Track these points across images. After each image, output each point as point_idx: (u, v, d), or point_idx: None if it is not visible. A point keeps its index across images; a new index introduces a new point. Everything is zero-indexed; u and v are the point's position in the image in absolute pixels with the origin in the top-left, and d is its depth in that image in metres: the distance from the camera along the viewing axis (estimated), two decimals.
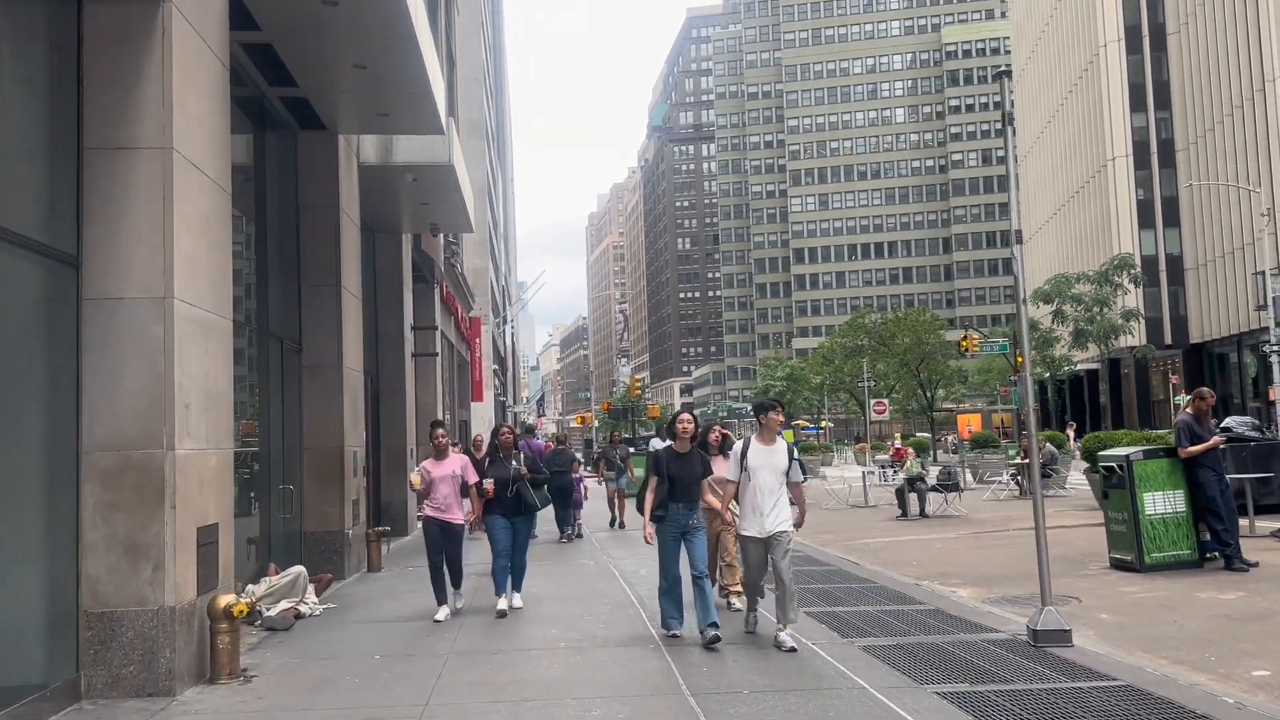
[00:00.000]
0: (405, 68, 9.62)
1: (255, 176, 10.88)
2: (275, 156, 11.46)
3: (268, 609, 8.79)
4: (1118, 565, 11.13)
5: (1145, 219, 62.16)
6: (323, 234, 11.81)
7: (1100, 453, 12.20)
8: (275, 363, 11.05)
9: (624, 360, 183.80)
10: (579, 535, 16.41)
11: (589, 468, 21.99)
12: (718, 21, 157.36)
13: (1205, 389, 11.57)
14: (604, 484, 19.13)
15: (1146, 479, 10.90)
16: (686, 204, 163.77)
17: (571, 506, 16.19)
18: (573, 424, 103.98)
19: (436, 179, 14.00)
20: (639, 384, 40.99)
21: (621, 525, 17.64)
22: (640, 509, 8.25)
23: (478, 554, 11.55)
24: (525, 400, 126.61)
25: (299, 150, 11.84)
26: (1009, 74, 8.00)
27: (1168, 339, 60.36)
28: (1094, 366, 66.15)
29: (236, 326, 10.02)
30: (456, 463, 9.24)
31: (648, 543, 7.83)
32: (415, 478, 9.20)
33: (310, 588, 9.49)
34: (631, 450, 29.74)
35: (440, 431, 9.37)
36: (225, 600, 6.81)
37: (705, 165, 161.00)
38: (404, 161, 13.39)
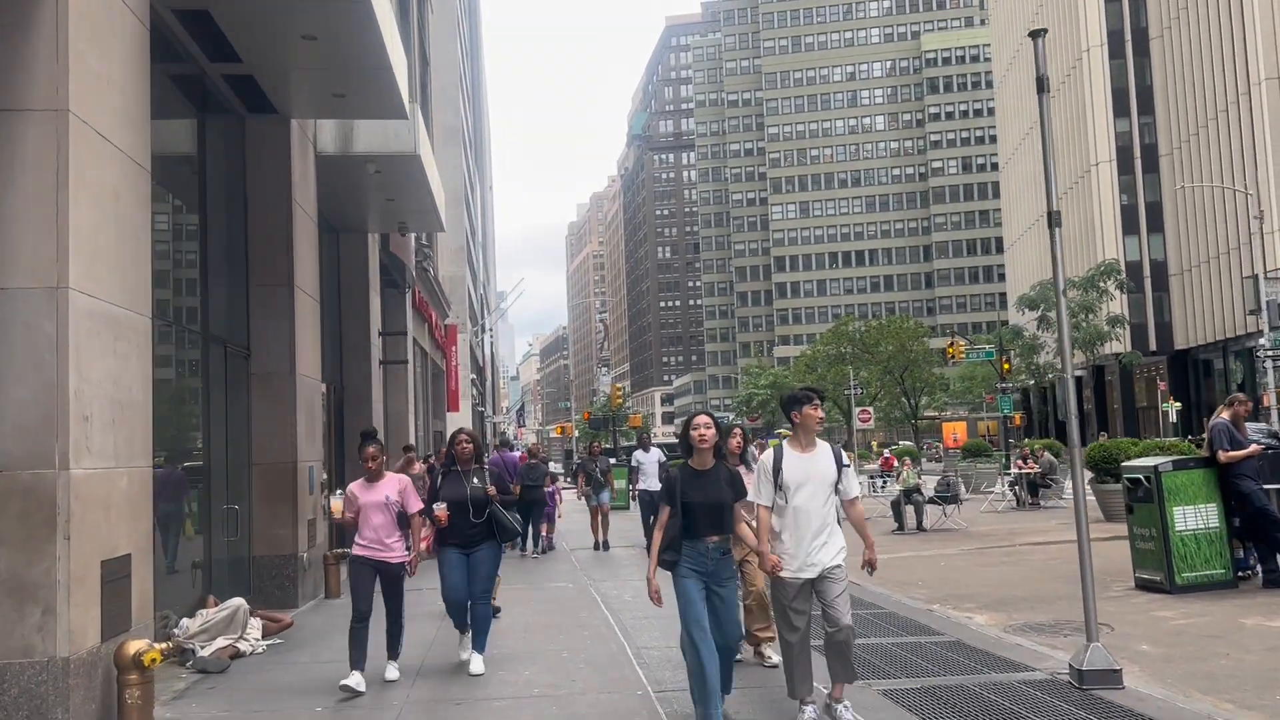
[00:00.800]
0: (359, 37, 8.60)
1: (198, 164, 9.83)
2: (220, 143, 10.41)
3: (201, 647, 7.72)
4: (1145, 586, 10.21)
5: (1129, 224, 61.81)
6: (274, 229, 10.76)
7: (1125, 464, 11.27)
8: (218, 369, 9.98)
9: (604, 370, 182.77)
10: (550, 548, 16.37)
11: (569, 479, 21.12)
12: (697, 29, 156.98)
13: (1240, 394, 10.71)
14: (583, 500, 17.30)
15: (1176, 492, 9.98)
16: (667, 212, 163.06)
17: (541, 519, 16.12)
18: (553, 434, 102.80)
19: (402, 171, 12.97)
20: (620, 392, 39.91)
21: (605, 546, 15.90)
22: (649, 548, 6.47)
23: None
24: (505, 410, 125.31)
25: (247, 136, 10.79)
26: (1044, 32, 7.02)
27: (1153, 345, 59.96)
28: (1079, 374, 65.70)
29: (171, 328, 8.98)
30: (392, 485, 7.16)
31: (655, 603, 5.56)
32: (336, 504, 7.75)
33: (253, 622, 8.41)
34: (613, 462, 28.83)
35: (371, 449, 7.20)
36: (136, 647, 5.75)
37: (685, 174, 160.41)
38: (365, 151, 12.35)
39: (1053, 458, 22.12)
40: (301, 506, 10.72)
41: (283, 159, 10.85)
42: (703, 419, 5.68)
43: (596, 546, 16.00)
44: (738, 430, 7.63)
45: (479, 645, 7.36)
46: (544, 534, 16.19)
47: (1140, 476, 10.30)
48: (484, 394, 69.52)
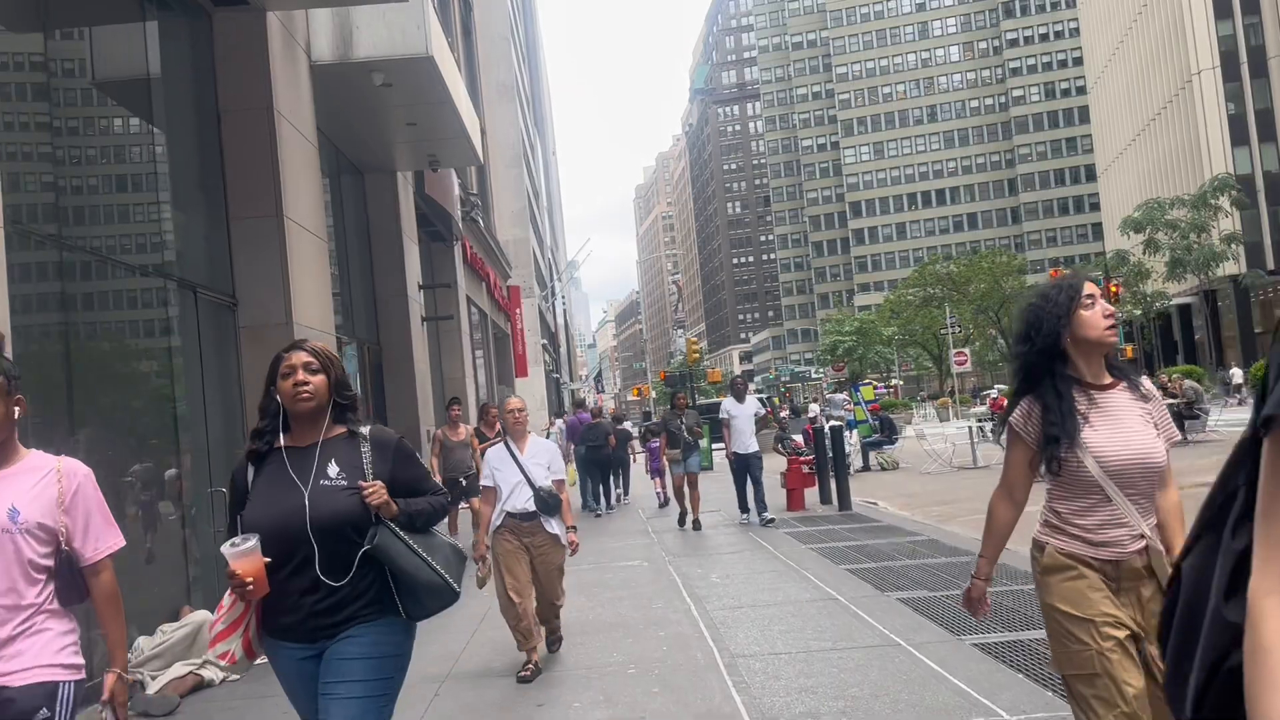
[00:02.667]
0: None
1: (147, 67, 7.86)
2: (179, 44, 8.43)
3: (151, 678, 5.80)
4: None
5: (1238, 135, 56.88)
6: (253, 147, 8.74)
7: None
8: (191, 320, 8.06)
9: (680, 331, 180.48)
10: (624, 502, 16.18)
11: (649, 440, 18.13)
12: None
13: None
14: (668, 465, 13.27)
15: None
16: (734, 166, 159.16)
17: (604, 480, 15.60)
18: (630, 397, 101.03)
19: (415, 81, 10.86)
20: (696, 347, 37.67)
21: (696, 525, 12.20)
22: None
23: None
24: (583, 378, 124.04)
25: (215, 36, 8.78)
26: None
27: (1270, 264, 55.24)
28: (1187, 300, 61.11)
29: (122, 268, 7.07)
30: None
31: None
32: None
33: None
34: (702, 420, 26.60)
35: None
36: None
37: (751, 125, 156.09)
38: (368, 56, 10.26)
39: (1196, 385, 19.23)
40: None
41: (260, 62, 8.81)
42: None
43: (682, 521, 12.52)
44: None
45: None
46: (619, 490, 16.15)
47: None
48: (557, 360, 67.89)
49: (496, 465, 5.93)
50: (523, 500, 5.79)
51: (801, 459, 13.95)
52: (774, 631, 6.34)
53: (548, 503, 5.78)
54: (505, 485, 5.83)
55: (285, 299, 8.80)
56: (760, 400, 14.10)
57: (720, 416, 12.46)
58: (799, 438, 16.74)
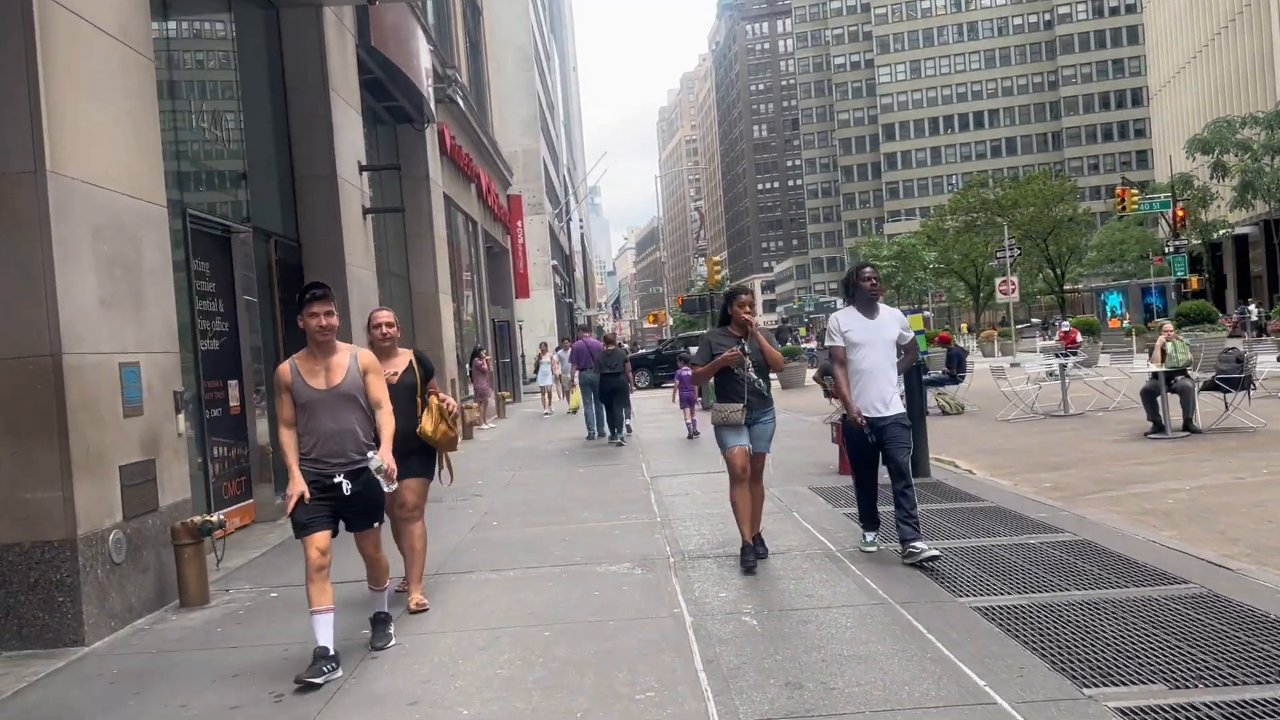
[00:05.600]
0: None
1: None
2: None
3: None
4: None
5: None
6: None
7: None
8: None
9: (700, 260, 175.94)
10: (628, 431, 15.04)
11: (680, 367, 16.68)
12: None
13: None
14: (722, 432, 6.22)
15: None
16: (762, 87, 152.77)
17: (622, 407, 14.73)
18: (645, 325, 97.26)
19: None
20: (718, 268, 33.89)
21: (752, 561, 6.00)
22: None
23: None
24: (600, 305, 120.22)
25: None
26: None
27: None
28: (1245, 230, 56.55)
29: None
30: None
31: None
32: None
33: None
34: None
35: None
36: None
37: (781, 44, 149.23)
38: None
39: None
40: (76, 441, 5.34)
41: None
42: None
43: (750, 561, 6.03)
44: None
45: None
46: (628, 422, 15.05)
47: None
48: (571, 285, 64.15)
49: None
50: None
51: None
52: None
53: None
54: None
55: (36, 137, 5.24)
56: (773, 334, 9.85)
57: (827, 343, 6.40)
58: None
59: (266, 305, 9.81)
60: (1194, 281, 39.92)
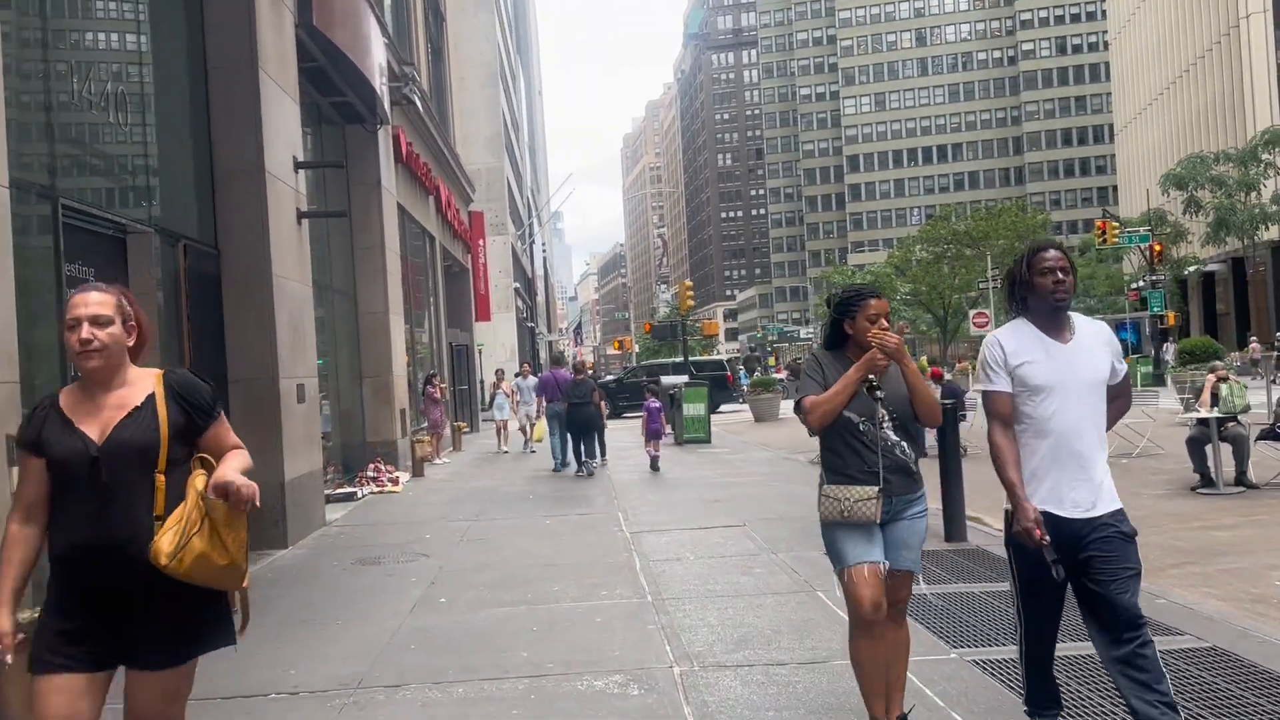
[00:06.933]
0: None
1: None
2: None
3: None
4: None
5: None
6: None
7: None
8: None
9: (663, 286, 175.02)
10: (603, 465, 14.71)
11: (648, 399, 15.83)
12: None
13: None
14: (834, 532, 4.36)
15: None
16: (727, 116, 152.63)
17: (590, 437, 14.37)
18: (610, 350, 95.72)
19: None
20: (690, 292, 32.36)
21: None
22: None
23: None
24: (561, 330, 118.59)
25: None
26: None
27: None
28: (1212, 268, 56.37)
29: None
30: None
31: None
32: None
33: None
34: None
35: None
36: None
37: (747, 74, 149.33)
38: None
39: None
40: None
41: None
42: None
43: None
44: None
45: None
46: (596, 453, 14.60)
47: None
48: (533, 309, 62.40)
49: None
50: None
51: None
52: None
53: None
54: None
55: None
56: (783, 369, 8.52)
57: (982, 386, 3.56)
58: None
59: (173, 322, 8.11)
60: (1171, 317, 39.23)
